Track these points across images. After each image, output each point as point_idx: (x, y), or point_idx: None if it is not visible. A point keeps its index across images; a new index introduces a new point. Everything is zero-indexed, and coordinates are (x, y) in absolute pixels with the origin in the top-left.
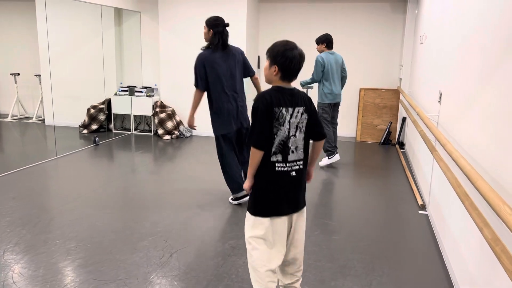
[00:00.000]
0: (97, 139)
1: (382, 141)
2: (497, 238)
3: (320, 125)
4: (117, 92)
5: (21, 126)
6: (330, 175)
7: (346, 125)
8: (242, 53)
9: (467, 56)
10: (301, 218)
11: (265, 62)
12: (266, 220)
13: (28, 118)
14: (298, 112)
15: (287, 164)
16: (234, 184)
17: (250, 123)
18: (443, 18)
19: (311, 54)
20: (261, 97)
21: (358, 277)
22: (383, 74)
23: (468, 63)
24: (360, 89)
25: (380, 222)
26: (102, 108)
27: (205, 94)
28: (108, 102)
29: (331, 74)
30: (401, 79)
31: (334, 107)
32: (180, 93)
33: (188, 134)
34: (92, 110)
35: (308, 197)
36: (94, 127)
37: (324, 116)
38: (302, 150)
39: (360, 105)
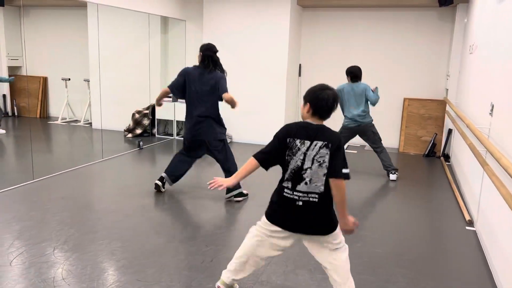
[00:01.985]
0: (141, 143)
1: (426, 153)
2: None
3: (339, 164)
4: None
5: (70, 129)
6: (372, 187)
7: (389, 136)
8: (221, 77)
9: None
10: (316, 244)
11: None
12: (270, 225)
13: (76, 121)
14: (315, 145)
15: (294, 193)
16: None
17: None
18: (495, 27)
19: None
20: (285, 125)
21: None
22: (428, 84)
23: None
24: (404, 99)
25: (425, 237)
26: (146, 113)
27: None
28: (152, 108)
29: (347, 103)
30: (447, 89)
31: (361, 132)
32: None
33: (228, 141)
34: (137, 115)
35: (349, 208)
36: (139, 131)
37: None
38: (320, 184)
39: (404, 115)
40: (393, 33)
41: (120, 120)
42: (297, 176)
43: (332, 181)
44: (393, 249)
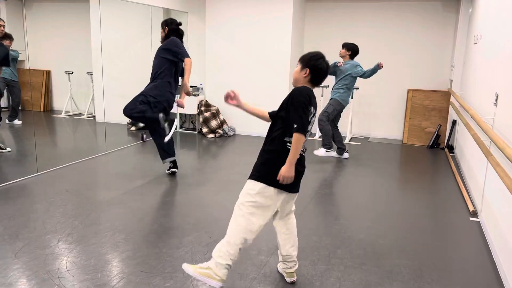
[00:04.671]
0: (144, 136)
1: (430, 144)
2: None
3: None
4: None
5: (73, 122)
6: (376, 179)
7: (393, 127)
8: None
9: None
10: (292, 201)
11: (296, 67)
12: (272, 190)
13: (80, 114)
14: (314, 112)
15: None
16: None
17: (286, 108)
18: (500, 17)
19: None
20: (306, 92)
21: (405, 283)
22: (432, 75)
23: None
24: (408, 90)
25: (429, 228)
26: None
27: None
28: None
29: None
30: (452, 80)
31: (340, 111)
32: (224, 92)
33: (231, 133)
34: None
35: (352, 200)
36: (141, 124)
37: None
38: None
39: (407, 106)
40: (397, 24)
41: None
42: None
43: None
44: (396, 240)
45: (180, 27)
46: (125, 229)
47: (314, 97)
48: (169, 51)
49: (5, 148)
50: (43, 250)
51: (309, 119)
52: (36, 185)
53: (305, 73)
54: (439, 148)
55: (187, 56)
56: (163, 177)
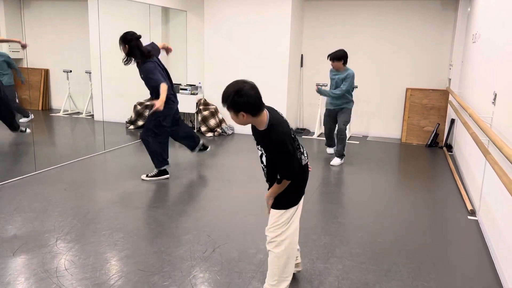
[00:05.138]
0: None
1: (428, 143)
2: None
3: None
4: None
5: (72, 121)
6: (375, 178)
7: (391, 126)
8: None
9: None
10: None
11: (229, 114)
12: (295, 207)
13: (78, 113)
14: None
15: (307, 157)
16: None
17: (274, 154)
18: (499, 16)
19: (352, 51)
20: (281, 131)
21: (403, 281)
22: (431, 74)
23: None
24: (407, 89)
25: (427, 227)
26: (148, 105)
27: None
28: None
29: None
30: (450, 79)
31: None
32: (223, 91)
33: (230, 132)
34: (138, 107)
35: (351, 199)
36: (140, 123)
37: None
38: None
39: (406, 105)
40: (396, 22)
41: (122, 112)
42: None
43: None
44: (395, 239)
45: (140, 39)
46: (124, 228)
47: (287, 126)
48: (149, 79)
49: (25, 130)
50: (41, 249)
51: (296, 151)
52: (34, 184)
53: (243, 116)
54: (438, 147)
55: (161, 82)
56: None
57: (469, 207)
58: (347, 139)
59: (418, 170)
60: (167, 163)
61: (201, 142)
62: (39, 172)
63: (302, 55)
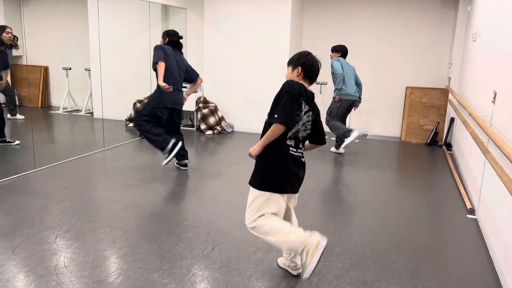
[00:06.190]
0: None
1: (428, 141)
2: None
3: (323, 132)
4: None
5: (71, 119)
6: (374, 176)
7: (391, 125)
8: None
9: None
10: (294, 201)
11: (286, 71)
12: (279, 196)
13: (77, 111)
14: (309, 112)
15: (298, 151)
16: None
17: (275, 104)
18: (499, 15)
19: (352, 50)
20: (292, 85)
21: (402, 280)
22: (431, 72)
23: None
24: (407, 88)
25: (426, 226)
26: None
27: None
28: None
29: (346, 76)
30: (450, 78)
31: (350, 106)
32: (223, 89)
33: (229, 130)
34: (138, 105)
35: (351, 198)
36: None
37: (336, 111)
38: (302, 145)
39: (406, 104)
40: (396, 21)
41: (121, 109)
42: (296, 135)
43: (314, 146)
44: (394, 238)
45: (181, 40)
46: (123, 225)
47: (309, 95)
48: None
49: (14, 142)
50: (40, 246)
51: (301, 115)
52: (33, 181)
53: (298, 72)
54: (437, 145)
55: (159, 60)
56: (161, 174)
57: (468, 206)
58: (336, 128)
59: (418, 168)
60: (170, 140)
61: (185, 161)
62: (38, 169)
63: None
